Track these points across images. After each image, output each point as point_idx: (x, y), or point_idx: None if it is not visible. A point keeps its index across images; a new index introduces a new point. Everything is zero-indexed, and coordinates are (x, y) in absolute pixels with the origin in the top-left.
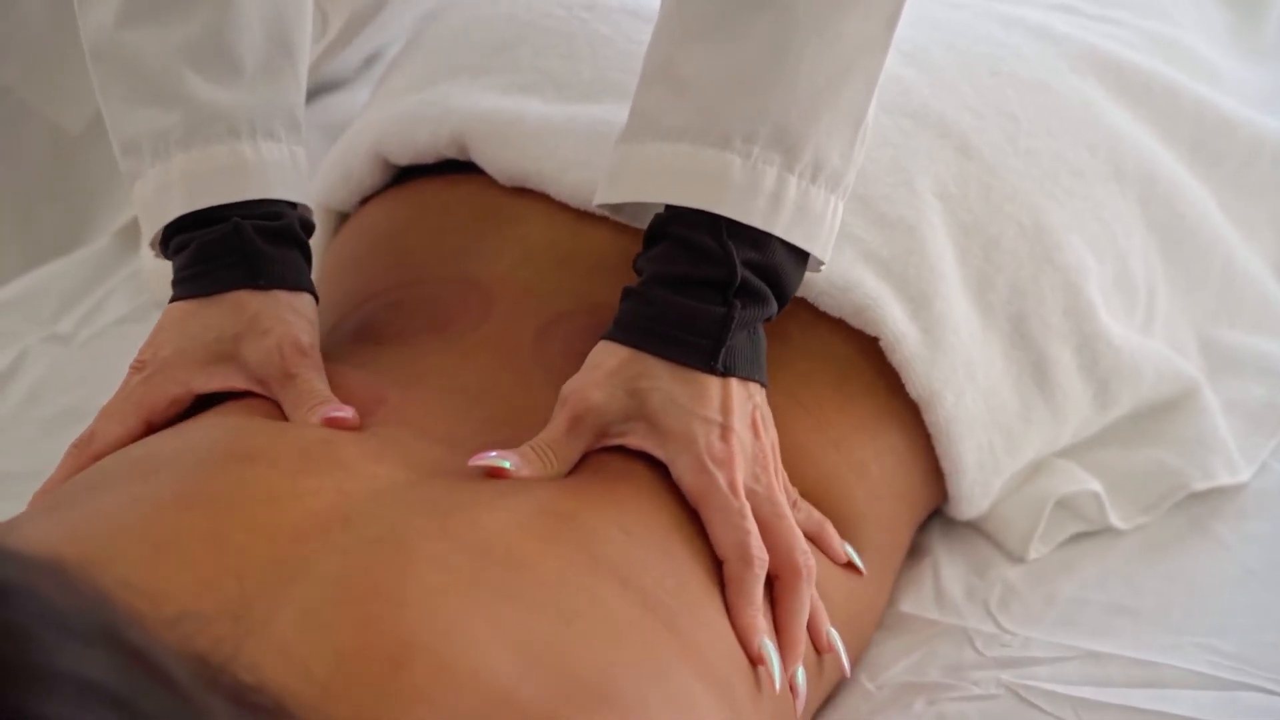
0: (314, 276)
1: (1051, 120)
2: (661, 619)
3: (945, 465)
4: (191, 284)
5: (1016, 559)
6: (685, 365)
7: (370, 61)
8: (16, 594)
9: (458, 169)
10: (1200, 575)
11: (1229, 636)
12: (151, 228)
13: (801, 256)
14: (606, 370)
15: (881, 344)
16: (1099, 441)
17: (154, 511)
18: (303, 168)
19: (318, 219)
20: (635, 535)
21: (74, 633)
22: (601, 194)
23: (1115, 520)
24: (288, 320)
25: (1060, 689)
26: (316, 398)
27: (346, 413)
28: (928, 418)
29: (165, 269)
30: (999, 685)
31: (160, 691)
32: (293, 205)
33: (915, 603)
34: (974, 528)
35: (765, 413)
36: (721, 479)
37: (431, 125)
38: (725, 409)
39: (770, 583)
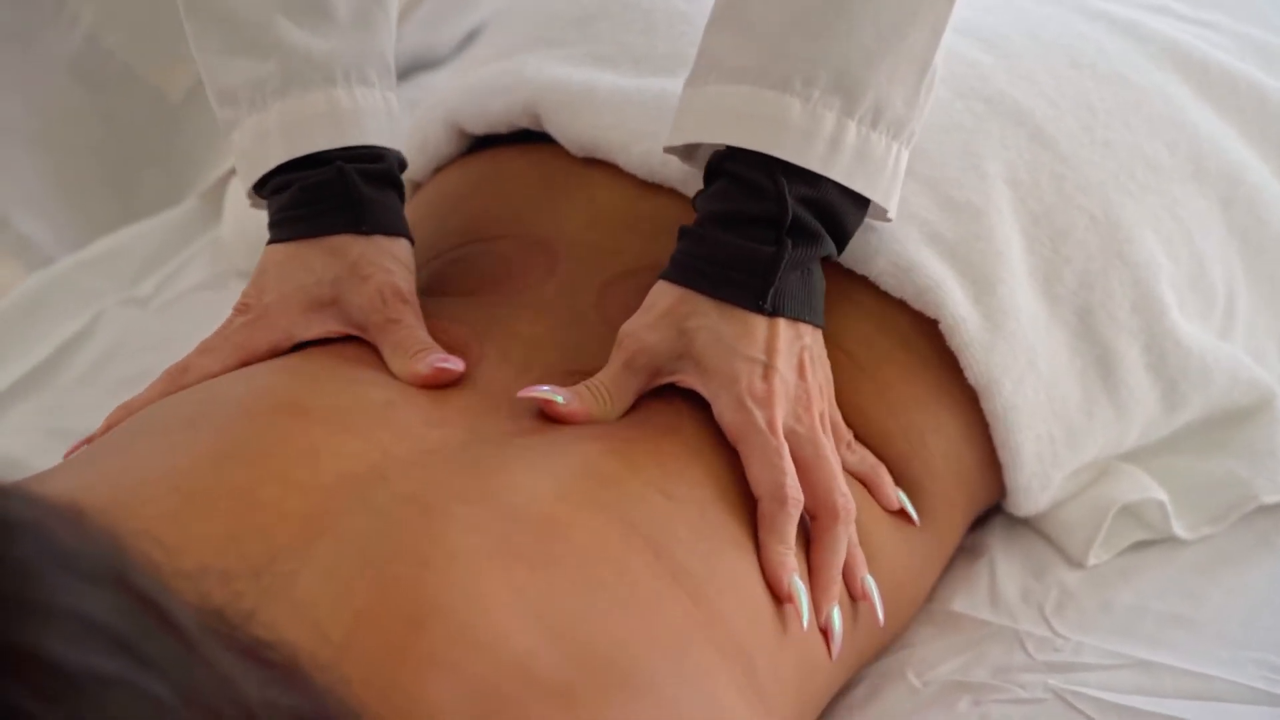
0: None
1: (1130, 114)
2: (688, 590)
3: (1003, 455)
4: (292, 226)
5: (1076, 564)
6: (733, 304)
7: (468, 40)
8: (26, 531)
9: (531, 139)
10: (1263, 590)
11: None
12: (251, 175)
13: (862, 200)
14: (659, 311)
15: (941, 327)
16: (1168, 447)
17: (189, 461)
18: (396, 114)
19: None
20: (675, 498)
21: (80, 573)
22: (669, 136)
23: (1179, 530)
24: (388, 267)
25: (1108, 696)
26: (419, 344)
27: (455, 364)
28: (985, 405)
29: (244, 238)
30: (1046, 690)
31: (164, 637)
32: (387, 150)
33: (968, 602)
34: (1034, 530)
35: (817, 353)
36: (760, 417)
37: (505, 94)
38: (770, 348)
39: (808, 524)
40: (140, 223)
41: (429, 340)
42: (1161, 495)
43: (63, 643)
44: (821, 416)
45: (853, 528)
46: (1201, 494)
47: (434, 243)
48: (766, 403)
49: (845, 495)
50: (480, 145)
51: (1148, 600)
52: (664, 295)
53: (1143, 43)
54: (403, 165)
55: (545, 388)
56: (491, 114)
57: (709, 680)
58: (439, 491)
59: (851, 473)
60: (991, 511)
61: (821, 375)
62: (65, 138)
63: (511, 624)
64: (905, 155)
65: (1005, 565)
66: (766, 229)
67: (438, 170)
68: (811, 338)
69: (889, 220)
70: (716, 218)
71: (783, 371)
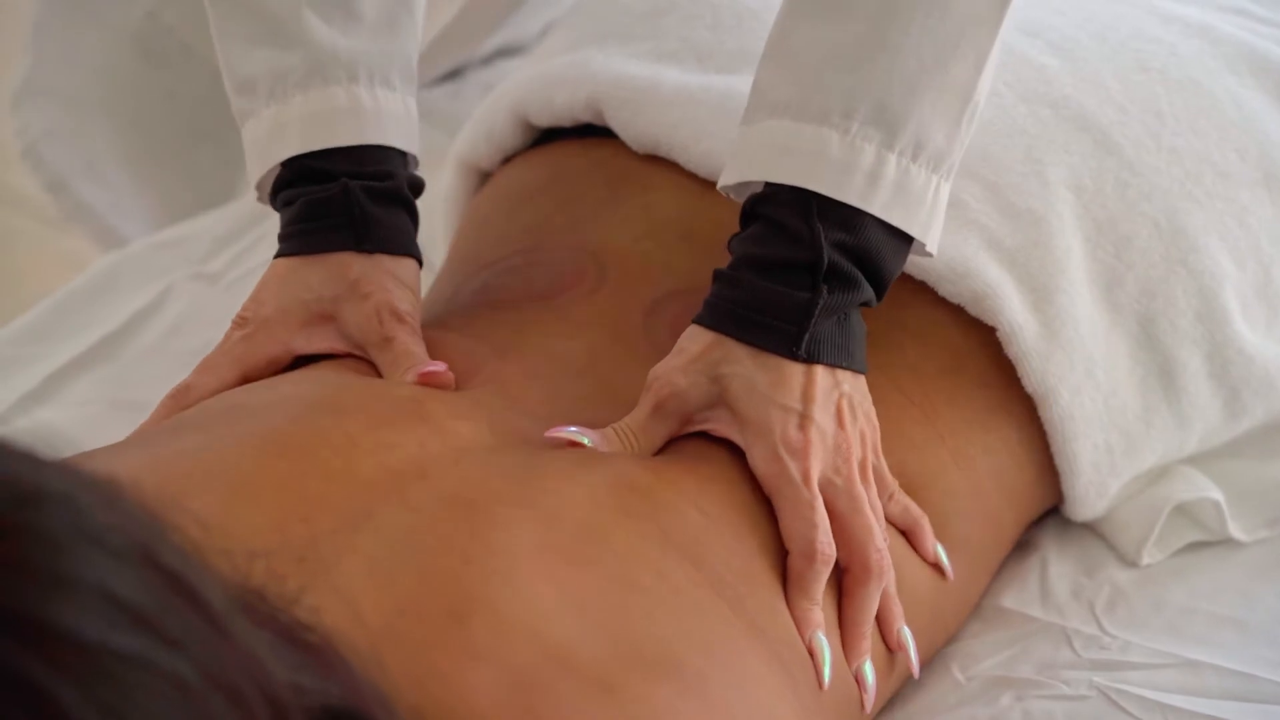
0: (449, 232)
1: (1199, 120)
2: (728, 601)
3: (1059, 464)
4: (297, 241)
5: (1129, 563)
6: (767, 351)
7: (549, 29)
8: (56, 502)
9: (596, 133)
10: None
11: None
12: (260, 167)
13: (903, 240)
14: (691, 355)
15: (999, 334)
16: (1228, 450)
17: (236, 453)
18: (414, 119)
19: (461, 175)
20: (711, 515)
21: (109, 548)
22: (723, 177)
23: (1235, 532)
24: (388, 287)
25: (1152, 695)
26: (412, 359)
27: (440, 368)
28: (1042, 414)
29: None
30: (1090, 687)
31: (190, 616)
32: (403, 158)
33: (1018, 598)
34: (1088, 528)
35: (858, 401)
36: (795, 469)
37: (570, 88)
38: (806, 397)
39: (843, 574)
40: (212, 211)
41: (422, 354)
42: (1217, 495)
43: (83, 617)
44: (862, 466)
45: (888, 580)
46: (1259, 497)
47: (488, 249)
48: (802, 454)
49: (880, 551)
50: (546, 137)
51: (1200, 601)
52: (696, 340)
53: (1217, 46)
54: (415, 184)
55: (572, 429)
56: (556, 107)
57: (755, 685)
58: (479, 492)
59: (894, 523)
60: (1047, 510)
61: (864, 423)
62: (126, 110)
63: (552, 617)
64: (945, 189)
65: (1057, 563)
66: (802, 274)
67: (505, 161)
68: (851, 384)
69: (929, 255)
70: (750, 262)
71: (819, 421)
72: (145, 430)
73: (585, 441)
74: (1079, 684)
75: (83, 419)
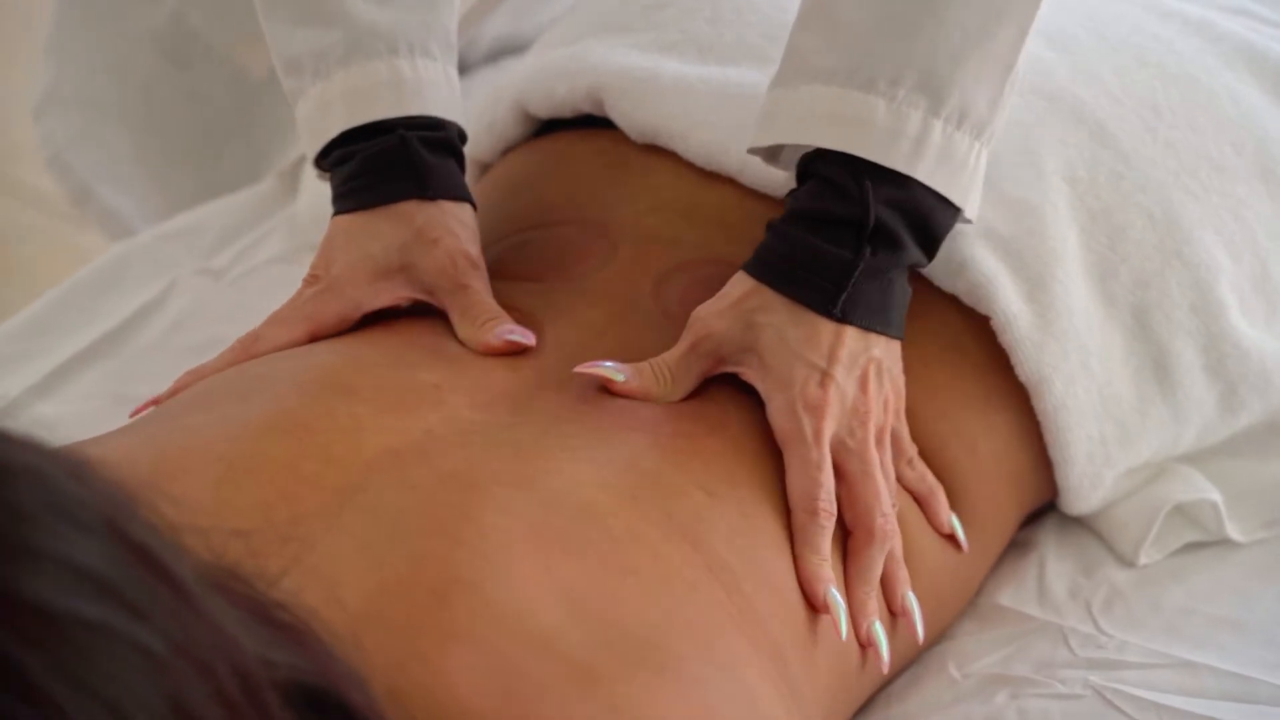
0: None
1: (1196, 115)
2: (723, 583)
3: (1053, 454)
4: (357, 196)
5: (1127, 563)
6: (803, 305)
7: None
8: (24, 476)
9: (595, 125)
10: None
11: None
12: (315, 144)
13: (953, 207)
14: (731, 300)
15: (993, 324)
16: (1228, 450)
17: (238, 432)
18: (456, 87)
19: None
20: (717, 494)
21: (75, 521)
22: (754, 138)
23: (1233, 533)
24: (455, 231)
25: (1148, 695)
26: (489, 312)
27: (526, 337)
28: (1036, 404)
29: (320, 215)
30: (1086, 686)
31: (157, 588)
32: (448, 120)
33: (1016, 597)
34: (1086, 528)
35: (887, 366)
36: (809, 426)
37: (570, 79)
38: (832, 356)
39: (848, 537)
40: (220, 199)
41: (499, 309)
42: (1215, 496)
43: (49, 587)
44: (880, 432)
45: (893, 545)
46: (1258, 497)
47: (497, 227)
48: (818, 411)
49: (886, 516)
50: (546, 129)
51: (1197, 602)
52: (739, 285)
53: (1215, 43)
54: (463, 137)
55: (608, 364)
56: (556, 98)
57: (739, 668)
58: (480, 472)
59: (909, 489)
60: (1045, 508)
61: (889, 389)
62: (151, 114)
63: (538, 602)
64: (985, 156)
65: (1055, 562)
66: (847, 232)
67: (505, 152)
68: (883, 350)
69: (968, 221)
70: (800, 216)
71: (840, 381)
72: (160, 409)
73: (618, 378)
74: (1075, 683)
75: (84, 414)
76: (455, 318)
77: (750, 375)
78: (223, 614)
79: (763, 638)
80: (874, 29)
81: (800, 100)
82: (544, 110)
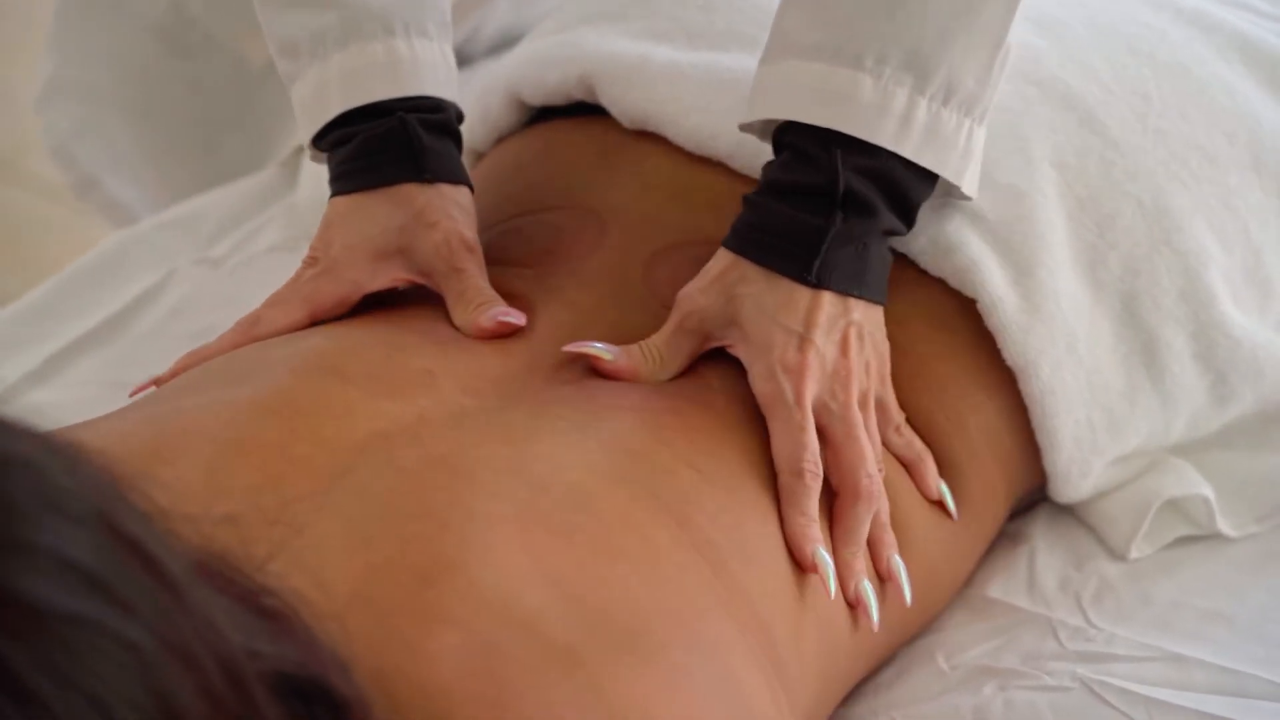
0: None
1: (1187, 104)
2: (710, 562)
3: (1040, 439)
4: (355, 178)
5: (1118, 556)
6: (779, 273)
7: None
8: (16, 466)
9: (588, 112)
10: None
11: None
12: (312, 127)
13: (930, 174)
14: (712, 275)
15: (979, 306)
16: (1221, 442)
17: (230, 416)
18: (453, 67)
19: None
20: (704, 472)
21: (65, 512)
22: (744, 114)
23: (1224, 527)
24: (453, 215)
25: (1136, 688)
26: (482, 296)
27: (517, 317)
28: (1023, 387)
29: (320, 204)
30: (1074, 678)
31: (144, 580)
32: (446, 101)
33: (1006, 589)
34: (1077, 520)
35: (868, 329)
36: (789, 389)
37: (562, 66)
38: (809, 321)
39: (834, 498)
40: (219, 188)
41: (492, 293)
42: (1207, 491)
43: (37, 581)
44: (863, 395)
45: (879, 508)
46: (1251, 491)
47: (489, 214)
48: (798, 375)
49: (871, 478)
50: (540, 117)
51: (1188, 596)
52: (719, 261)
53: (1209, 33)
54: (460, 117)
55: (597, 344)
56: (548, 85)
57: (724, 651)
58: (469, 455)
59: (896, 456)
60: (1036, 500)
61: (870, 352)
62: (153, 103)
63: (523, 585)
64: (980, 132)
65: (1046, 554)
66: (819, 200)
67: (499, 141)
68: (863, 313)
69: (969, 199)
70: (773, 187)
71: (819, 345)
72: (157, 392)
73: (606, 357)
74: (1062, 675)
75: (81, 401)
76: (450, 301)
77: (735, 347)
78: (211, 605)
79: (750, 618)
80: (860, 6)
81: (787, 76)
82: (537, 98)
